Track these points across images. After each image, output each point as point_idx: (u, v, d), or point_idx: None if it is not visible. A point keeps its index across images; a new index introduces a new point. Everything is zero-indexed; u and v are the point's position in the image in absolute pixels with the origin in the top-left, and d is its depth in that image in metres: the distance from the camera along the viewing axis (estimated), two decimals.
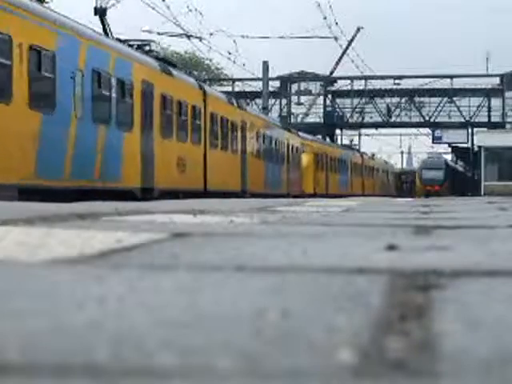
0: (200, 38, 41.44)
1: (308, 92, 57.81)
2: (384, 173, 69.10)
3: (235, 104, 29.48)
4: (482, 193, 43.47)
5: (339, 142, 62.19)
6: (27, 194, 13.31)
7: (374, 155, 72.05)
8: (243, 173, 29.38)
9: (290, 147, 38.24)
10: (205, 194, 23.14)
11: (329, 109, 57.55)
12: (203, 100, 24.78)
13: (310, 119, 57.42)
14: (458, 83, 56.28)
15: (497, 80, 56.71)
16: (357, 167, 55.05)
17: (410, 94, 56.81)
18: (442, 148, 68.85)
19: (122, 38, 22.45)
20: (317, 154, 44.08)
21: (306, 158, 40.99)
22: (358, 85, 57.53)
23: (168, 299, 1.56)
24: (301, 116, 57.60)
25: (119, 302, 1.50)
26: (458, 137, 56.77)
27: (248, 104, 52.40)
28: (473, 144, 55.18)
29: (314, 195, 37.60)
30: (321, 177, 44.27)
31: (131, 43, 22.47)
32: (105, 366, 1.03)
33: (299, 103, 57.65)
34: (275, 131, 35.61)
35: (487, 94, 56.05)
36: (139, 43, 23.65)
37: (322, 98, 57.41)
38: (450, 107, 56.37)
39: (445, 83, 56.24)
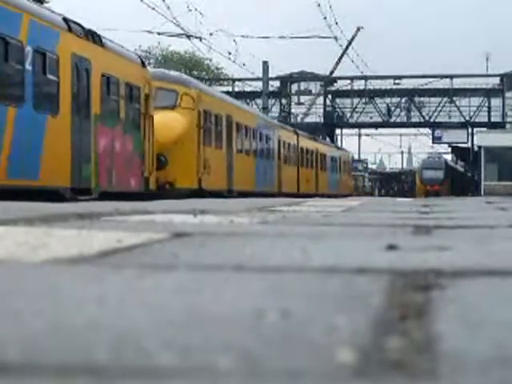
0: (200, 38, 41.46)
1: (308, 92, 57.81)
2: (334, 162, 50.40)
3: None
4: (482, 193, 43.47)
5: (339, 142, 61.95)
6: None
7: (325, 138, 54.85)
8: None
9: None
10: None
11: (329, 109, 57.53)
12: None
13: (310, 119, 57.39)
14: (458, 83, 56.28)
15: (497, 80, 56.72)
16: (288, 150, 38.04)
17: (410, 94, 56.81)
18: (442, 148, 68.91)
19: None
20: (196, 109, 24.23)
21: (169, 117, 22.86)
22: (358, 85, 57.54)
23: (168, 299, 1.56)
24: (301, 116, 57.59)
25: (119, 302, 1.50)
26: (458, 137, 56.74)
27: (248, 104, 52.38)
28: (473, 144, 55.17)
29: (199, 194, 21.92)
30: (212, 158, 24.92)
31: None
32: (105, 366, 1.03)
33: (299, 103, 57.65)
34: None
35: (487, 94, 56.04)
36: None
37: (321, 97, 57.41)
38: (449, 107, 56.37)
39: (445, 83, 56.24)
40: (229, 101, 29.40)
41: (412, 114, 57.29)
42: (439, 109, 56.52)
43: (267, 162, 33.09)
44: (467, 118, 55.92)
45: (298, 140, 40.08)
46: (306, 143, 42.48)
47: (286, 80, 57.41)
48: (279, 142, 35.58)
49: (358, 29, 58.92)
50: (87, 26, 17.73)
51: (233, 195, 25.13)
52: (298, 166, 39.73)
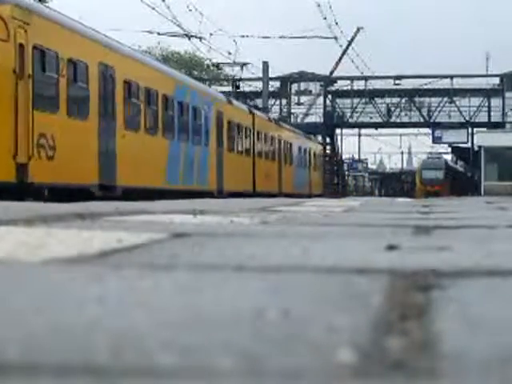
0: (200, 38, 41.46)
1: (308, 92, 57.78)
2: (303, 154, 41.58)
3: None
4: (482, 193, 43.47)
5: (339, 142, 61.82)
6: None
7: (286, 120, 46.89)
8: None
9: None
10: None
11: (329, 109, 57.48)
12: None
13: (310, 119, 57.37)
14: (458, 83, 56.26)
15: (497, 80, 56.69)
16: (238, 133, 29.45)
17: (410, 94, 56.79)
18: (442, 148, 68.86)
19: None
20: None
21: None
22: (358, 85, 57.52)
23: (168, 299, 1.56)
24: (301, 116, 57.58)
25: (119, 302, 1.50)
26: (458, 137, 56.72)
27: (248, 105, 52.38)
28: (473, 144, 55.16)
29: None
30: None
31: None
32: (105, 366, 1.03)
33: (299, 103, 57.63)
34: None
35: (487, 94, 56.03)
36: None
37: (321, 98, 57.39)
38: (449, 107, 56.35)
39: (445, 83, 56.22)
40: (110, 44, 18.65)
41: (412, 113, 57.25)
42: (439, 109, 56.51)
43: (195, 147, 24.00)
44: (467, 118, 55.90)
45: (253, 122, 31.31)
46: (266, 127, 33.45)
47: (286, 80, 57.39)
48: (219, 120, 26.27)
49: (358, 29, 58.90)
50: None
51: (113, 194, 17.05)
52: (253, 157, 30.71)
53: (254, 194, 28.16)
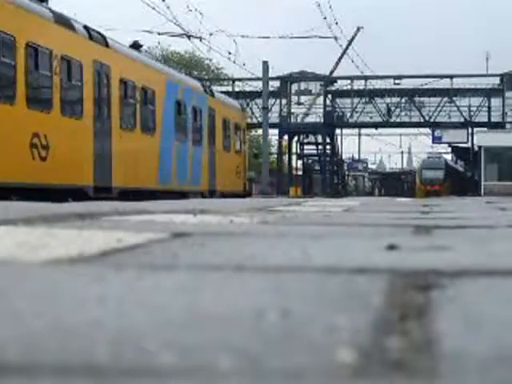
0: (200, 38, 41.47)
1: (308, 92, 57.76)
2: (200, 120, 25.85)
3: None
4: (482, 193, 43.46)
5: (339, 142, 61.79)
6: None
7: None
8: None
9: None
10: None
11: (329, 109, 57.46)
12: None
13: (310, 119, 57.36)
14: (458, 83, 56.24)
15: (497, 80, 56.67)
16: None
17: (410, 94, 56.76)
18: (442, 148, 68.84)
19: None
20: None
21: None
22: (358, 85, 57.50)
23: (168, 299, 1.56)
24: (301, 116, 57.57)
25: (119, 302, 1.50)
26: (458, 137, 56.70)
27: (248, 104, 52.37)
28: (473, 144, 55.16)
29: None
30: None
31: None
32: (105, 366, 1.03)
33: (299, 103, 57.60)
34: None
35: (487, 93, 56.01)
36: None
37: (321, 97, 57.37)
38: (449, 107, 56.31)
39: (445, 83, 56.19)
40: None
41: (412, 113, 57.22)
42: (439, 109, 56.48)
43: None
44: (467, 118, 55.88)
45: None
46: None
47: (286, 80, 57.37)
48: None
49: (358, 29, 59.00)
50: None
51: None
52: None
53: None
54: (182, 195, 22.33)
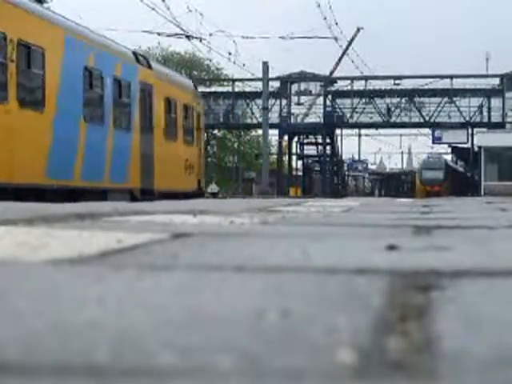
0: (200, 39, 41.48)
1: (308, 92, 57.76)
2: (129, 96, 20.17)
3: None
4: (482, 193, 43.46)
5: (339, 143, 61.75)
6: None
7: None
8: None
9: None
10: None
11: (329, 109, 57.44)
12: None
13: (310, 119, 57.35)
14: (458, 83, 56.23)
15: (497, 80, 56.66)
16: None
17: (410, 94, 56.76)
18: (442, 148, 68.83)
19: None
20: None
21: None
22: (358, 85, 57.49)
23: (168, 299, 1.56)
24: (301, 116, 57.57)
25: (119, 302, 1.50)
26: (458, 137, 56.69)
27: (248, 105, 52.39)
28: (473, 144, 55.15)
29: None
30: None
31: None
32: (105, 366, 1.03)
33: (299, 103, 57.60)
34: None
35: (487, 94, 56.01)
36: None
37: (321, 98, 57.36)
38: (449, 107, 56.31)
39: (445, 83, 56.17)
40: None
41: (412, 114, 57.21)
42: (439, 109, 56.48)
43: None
44: (467, 119, 55.87)
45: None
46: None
47: (286, 80, 57.37)
48: None
49: (358, 29, 58.96)
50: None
51: None
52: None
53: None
54: (96, 194, 17.11)
